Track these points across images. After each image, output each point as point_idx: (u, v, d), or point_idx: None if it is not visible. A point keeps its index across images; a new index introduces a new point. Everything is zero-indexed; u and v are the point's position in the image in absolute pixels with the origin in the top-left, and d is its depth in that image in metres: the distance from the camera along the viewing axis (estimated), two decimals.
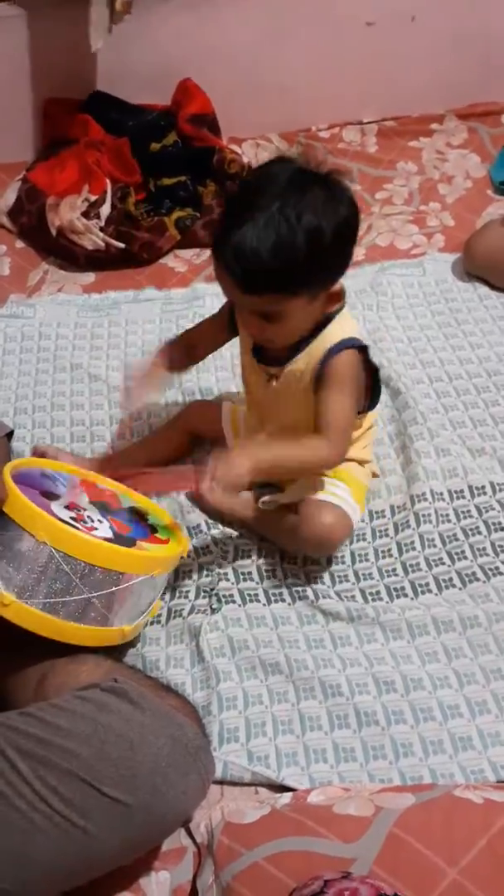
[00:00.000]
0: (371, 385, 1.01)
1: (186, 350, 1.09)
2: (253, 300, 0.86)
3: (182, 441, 1.18)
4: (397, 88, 1.94)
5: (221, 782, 0.87)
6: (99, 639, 0.83)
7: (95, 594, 0.80)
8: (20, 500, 0.79)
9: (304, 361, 0.96)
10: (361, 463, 1.08)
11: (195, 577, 1.06)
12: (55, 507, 0.84)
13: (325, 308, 0.92)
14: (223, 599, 1.03)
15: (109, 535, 0.85)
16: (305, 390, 0.97)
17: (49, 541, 0.78)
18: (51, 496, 0.86)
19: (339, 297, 0.92)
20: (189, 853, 0.81)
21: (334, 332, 0.94)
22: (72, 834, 0.65)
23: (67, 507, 0.86)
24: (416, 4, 1.83)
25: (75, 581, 0.79)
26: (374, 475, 1.13)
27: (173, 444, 1.17)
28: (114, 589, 0.81)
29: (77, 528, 0.81)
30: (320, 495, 1.02)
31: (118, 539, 0.85)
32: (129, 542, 0.86)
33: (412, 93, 1.95)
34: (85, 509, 0.88)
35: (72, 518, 0.83)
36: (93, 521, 0.86)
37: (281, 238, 0.81)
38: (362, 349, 0.96)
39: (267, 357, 1.00)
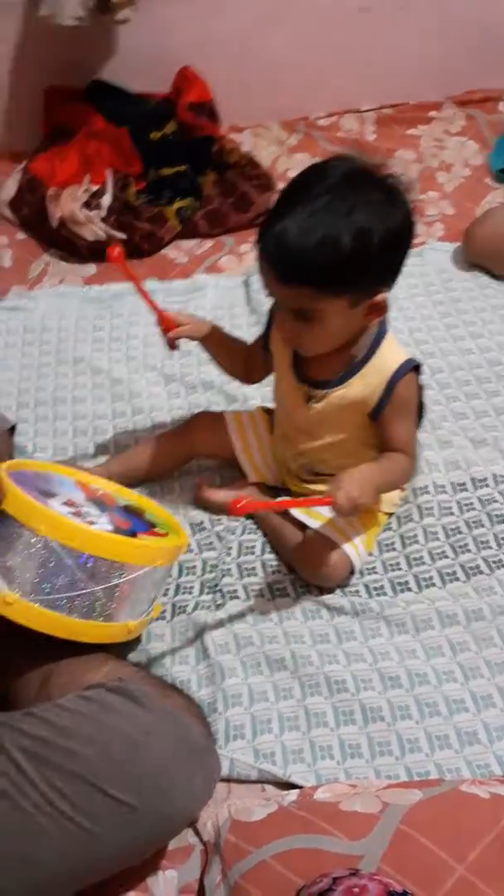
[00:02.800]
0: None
1: (220, 340, 1.07)
2: (289, 293, 0.83)
3: (183, 454, 1.15)
4: (395, 76, 1.92)
5: (228, 780, 0.87)
6: (104, 635, 0.82)
7: (100, 587, 0.79)
8: (18, 495, 0.78)
9: (360, 389, 0.93)
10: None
11: (199, 573, 1.06)
12: (53, 503, 0.83)
13: (366, 320, 0.89)
14: (227, 595, 1.03)
15: (110, 528, 0.84)
16: (359, 416, 0.95)
17: (49, 534, 0.77)
18: (48, 494, 0.86)
19: (382, 309, 0.88)
20: (196, 851, 0.81)
21: (391, 356, 0.93)
22: (78, 836, 0.65)
23: (65, 504, 0.85)
24: None
25: (78, 574, 0.78)
26: (402, 490, 1.10)
27: (173, 455, 1.15)
28: (117, 581, 0.80)
29: (76, 521, 0.80)
30: (331, 532, 0.99)
31: (119, 532, 0.84)
32: (130, 535, 0.85)
33: (410, 80, 1.93)
34: (82, 505, 0.87)
35: (70, 514, 0.83)
36: (91, 516, 0.85)
37: (327, 230, 0.78)
38: (417, 368, 0.95)
39: (308, 376, 0.97)
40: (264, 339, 1.04)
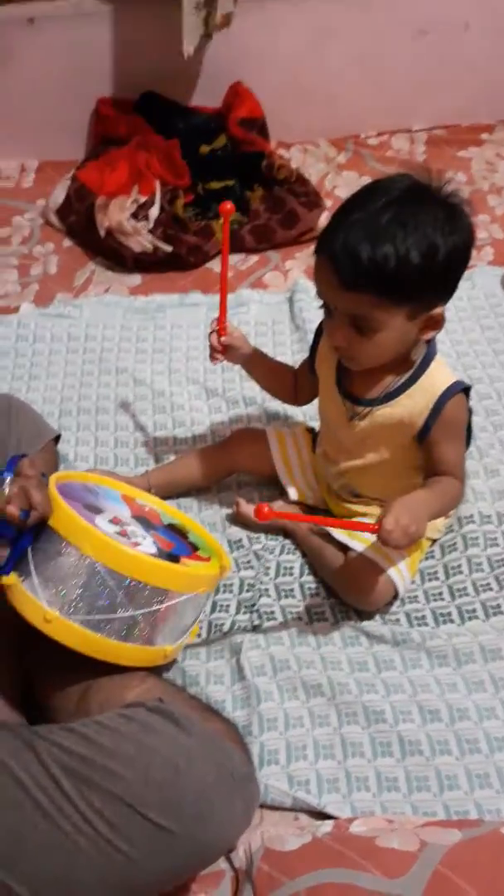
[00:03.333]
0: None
1: (261, 362, 1.09)
2: (351, 299, 0.83)
3: (223, 468, 1.15)
4: (448, 97, 1.92)
5: (261, 806, 0.85)
6: (141, 659, 0.81)
7: (140, 611, 0.78)
8: (67, 512, 0.78)
9: (409, 406, 0.92)
10: None
11: (236, 591, 1.05)
12: (100, 520, 0.82)
13: (420, 334, 0.88)
14: (264, 616, 1.01)
15: (153, 550, 0.83)
16: (404, 436, 0.94)
17: (94, 555, 0.76)
18: (94, 509, 0.85)
19: (438, 324, 0.88)
20: (227, 878, 0.80)
21: (440, 378, 0.92)
22: (115, 859, 0.64)
23: (112, 522, 0.84)
24: (469, 12, 1.80)
25: (120, 597, 0.77)
26: (447, 516, 1.08)
27: (213, 470, 1.14)
28: (159, 607, 0.79)
29: (122, 543, 0.80)
30: (374, 554, 0.98)
31: (162, 555, 0.83)
32: (173, 559, 0.84)
33: (463, 102, 1.93)
34: (128, 524, 0.86)
35: (117, 532, 0.82)
36: (136, 536, 0.84)
37: (396, 242, 0.79)
38: (466, 390, 0.94)
39: (353, 393, 0.96)
40: (310, 358, 1.04)
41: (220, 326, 1.04)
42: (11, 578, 0.77)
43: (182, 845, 0.66)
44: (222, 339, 1.04)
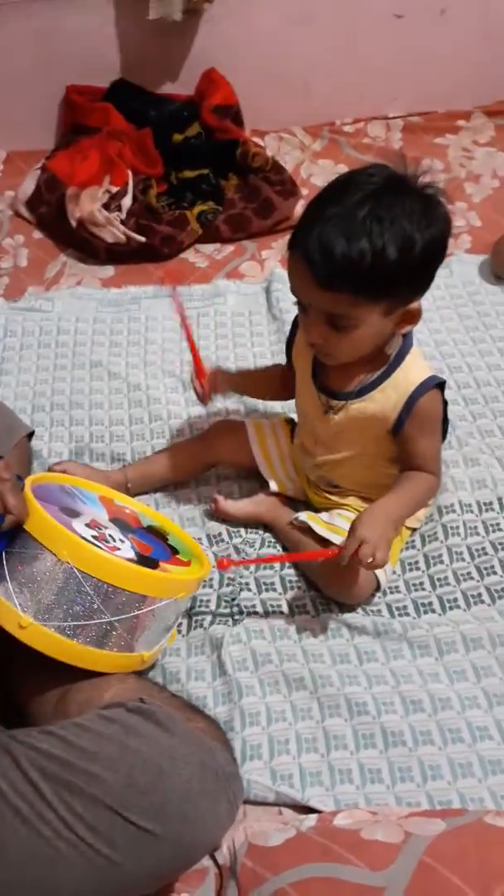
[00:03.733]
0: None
1: (248, 381, 1.11)
2: (327, 298, 0.81)
3: (202, 462, 1.14)
4: (424, 84, 1.91)
5: (245, 801, 0.84)
6: (118, 665, 0.79)
7: (117, 618, 0.76)
8: (42, 516, 0.75)
9: (380, 402, 0.92)
10: None
11: (216, 586, 1.04)
12: (76, 524, 0.80)
13: (397, 328, 0.87)
14: (245, 610, 1.00)
15: (132, 555, 0.81)
16: (378, 430, 0.94)
17: (71, 560, 0.74)
18: (71, 513, 0.83)
19: (415, 317, 0.86)
20: (211, 874, 0.79)
21: (414, 372, 0.91)
22: (98, 863, 0.63)
23: (89, 525, 0.82)
24: None
25: (97, 603, 0.75)
26: (426, 506, 1.07)
27: (192, 463, 1.13)
28: (137, 613, 0.77)
29: (100, 548, 0.78)
30: None
31: (141, 560, 0.81)
32: (152, 564, 0.82)
33: (439, 88, 1.92)
34: (106, 528, 0.84)
35: (94, 537, 0.79)
36: (115, 540, 0.82)
37: (372, 238, 0.77)
38: (440, 385, 0.93)
39: (327, 387, 0.95)
40: (287, 352, 1.02)
41: (198, 371, 1.04)
42: None
43: (166, 847, 0.65)
44: (203, 385, 1.05)
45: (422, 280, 0.84)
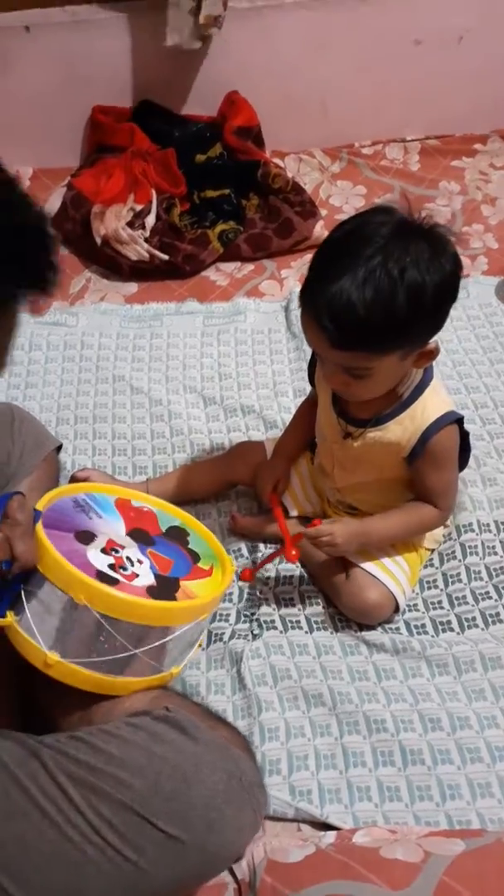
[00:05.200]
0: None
1: (291, 447, 1.11)
2: (342, 356, 0.81)
3: (222, 481, 1.14)
4: (442, 107, 1.94)
5: (264, 817, 0.84)
6: (148, 685, 0.79)
7: (142, 649, 0.76)
8: (55, 559, 0.73)
9: (398, 432, 0.92)
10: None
11: (235, 600, 1.05)
12: (91, 554, 0.79)
13: (415, 365, 0.88)
14: (264, 625, 1.01)
15: (151, 579, 0.80)
16: (394, 458, 0.94)
17: (89, 603, 0.73)
18: (86, 537, 0.81)
19: (432, 354, 0.87)
20: (230, 890, 0.79)
21: (433, 406, 0.91)
22: (125, 868, 0.63)
23: (105, 551, 0.80)
24: (464, 25, 1.82)
25: (119, 640, 0.74)
26: (445, 526, 1.09)
27: (212, 482, 1.14)
28: (162, 641, 0.77)
29: (117, 579, 0.76)
30: (374, 568, 0.99)
31: (160, 581, 0.80)
32: (173, 584, 0.81)
33: (456, 112, 1.95)
34: (123, 548, 0.83)
35: (110, 566, 0.78)
36: (132, 563, 0.81)
37: (381, 294, 0.76)
38: (459, 420, 0.93)
39: (347, 413, 0.96)
40: (309, 374, 1.04)
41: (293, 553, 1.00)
42: (8, 619, 0.75)
43: (192, 854, 0.65)
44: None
45: (435, 323, 0.84)
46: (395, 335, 0.80)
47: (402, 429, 0.92)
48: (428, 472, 0.94)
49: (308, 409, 1.08)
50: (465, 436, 0.96)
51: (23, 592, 0.75)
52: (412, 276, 0.77)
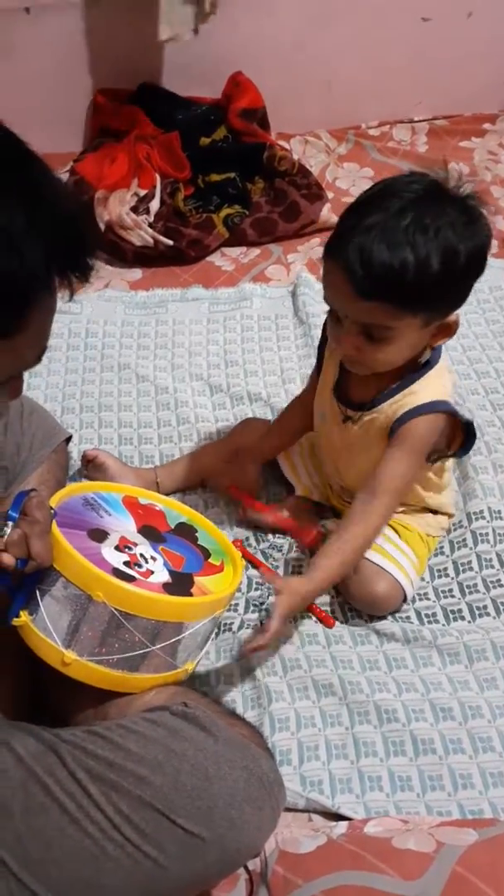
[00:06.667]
0: (463, 434, 0.94)
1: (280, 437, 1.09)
2: (365, 308, 0.79)
3: (228, 462, 1.12)
4: (450, 87, 1.90)
5: None
6: (164, 681, 0.78)
7: (160, 645, 0.75)
8: (72, 556, 0.73)
9: (390, 413, 0.90)
10: (441, 513, 1.04)
11: (244, 589, 1.04)
12: (106, 551, 0.78)
13: (433, 340, 0.86)
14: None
15: (166, 576, 0.80)
16: (381, 439, 0.92)
17: (107, 599, 0.72)
18: (99, 535, 0.81)
19: (452, 330, 0.85)
20: (241, 880, 0.79)
21: (426, 390, 0.88)
22: (144, 865, 0.62)
23: (118, 548, 0.80)
24: (473, 1, 1.78)
25: (137, 636, 0.74)
26: (450, 516, 1.07)
27: (220, 462, 1.12)
28: (178, 637, 0.77)
29: (133, 576, 0.76)
30: (380, 559, 0.97)
31: (175, 577, 0.80)
32: (187, 580, 0.81)
33: (465, 91, 1.91)
34: (136, 545, 0.82)
35: (125, 563, 0.78)
36: (146, 560, 0.81)
37: (416, 248, 0.75)
38: (453, 413, 0.89)
39: (348, 398, 0.94)
40: (319, 352, 1.02)
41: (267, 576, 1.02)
42: (23, 619, 0.74)
43: (211, 851, 0.65)
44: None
45: (461, 292, 0.83)
46: (422, 294, 0.78)
47: (397, 408, 0.89)
48: (392, 453, 0.89)
49: (295, 412, 1.07)
50: (468, 425, 0.93)
51: (37, 592, 0.74)
52: (447, 238, 0.76)
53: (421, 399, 0.88)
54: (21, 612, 0.74)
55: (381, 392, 0.90)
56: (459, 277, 0.79)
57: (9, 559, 0.67)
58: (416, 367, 0.89)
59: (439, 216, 0.76)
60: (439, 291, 0.79)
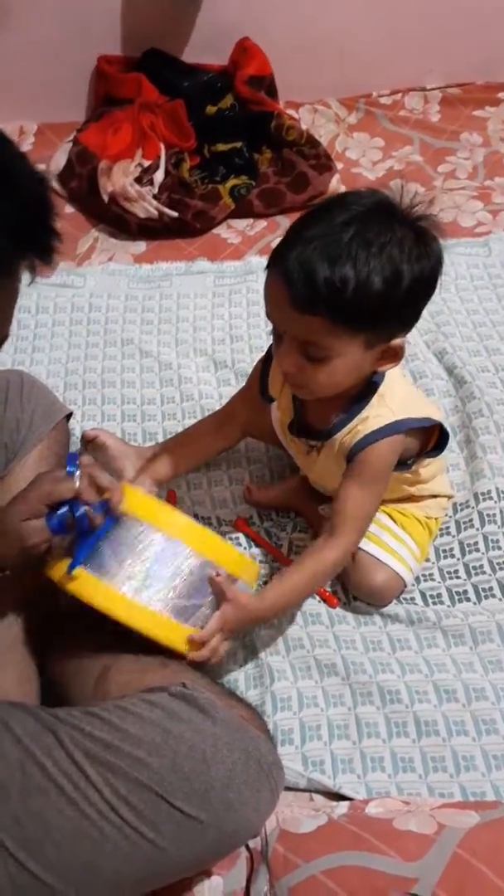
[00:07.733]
0: (434, 437, 0.92)
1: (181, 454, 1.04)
2: (303, 323, 0.75)
3: (230, 436, 1.08)
4: (463, 54, 1.84)
5: None
6: (176, 641, 0.79)
7: (209, 599, 0.79)
8: (143, 497, 0.78)
9: (346, 441, 0.86)
10: (439, 496, 1.02)
11: None
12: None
13: (377, 365, 0.81)
14: None
15: None
16: (341, 463, 0.88)
17: (184, 539, 0.76)
18: None
19: (396, 356, 0.80)
20: (241, 858, 0.79)
21: (378, 417, 0.84)
22: (141, 846, 0.63)
23: None
24: None
25: (198, 585, 0.78)
26: (450, 497, 1.05)
27: (221, 438, 1.08)
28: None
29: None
30: (378, 550, 0.96)
31: None
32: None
33: (478, 59, 1.86)
34: None
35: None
36: None
37: (356, 263, 0.71)
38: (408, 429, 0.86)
39: (307, 429, 0.92)
40: (261, 384, 0.97)
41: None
42: (79, 570, 0.75)
43: (209, 833, 0.65)
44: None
45: (406, 316, 0.79)
46: (361, 312, 0.74)
47: (355, 434, 0.86)
48: (347, 486, 0.85)
49: (210, 429, 1.06)
50: (440, 428, 0.90)
51: (96, 540, 0.75)
52: (391, 256, 0.73)
53: (373, 425, 0.84)
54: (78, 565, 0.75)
55: (335, 422, 0.87)
56: (402, 300, 0.75)
57: (90, 496, 0.71)
58: (364, 393, 0.86)
59: (384, 233, 0.73)
60: (380, 312, 0.75)
